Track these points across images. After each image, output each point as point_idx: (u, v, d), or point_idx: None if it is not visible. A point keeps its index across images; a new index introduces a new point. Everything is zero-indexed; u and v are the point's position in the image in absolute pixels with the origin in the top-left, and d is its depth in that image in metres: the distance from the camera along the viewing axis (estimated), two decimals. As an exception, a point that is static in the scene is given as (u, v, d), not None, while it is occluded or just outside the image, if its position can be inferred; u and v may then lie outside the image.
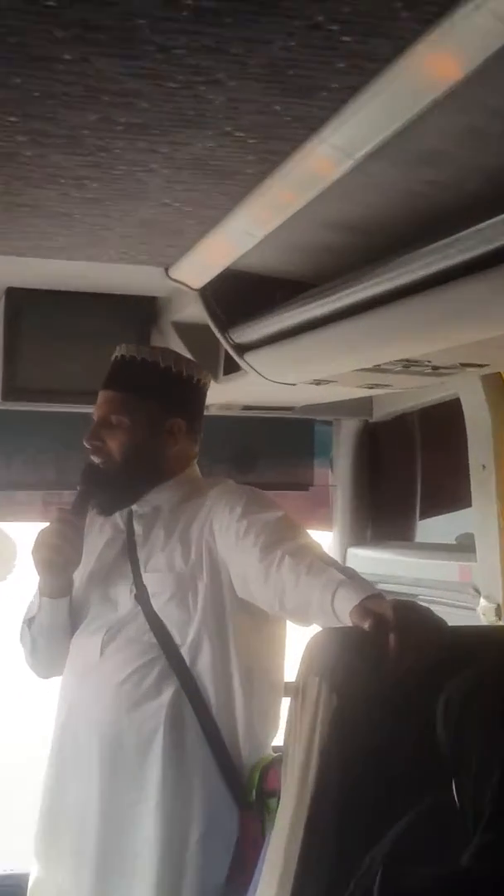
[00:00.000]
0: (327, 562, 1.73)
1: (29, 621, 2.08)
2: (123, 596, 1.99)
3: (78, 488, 2.04)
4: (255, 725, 1.92)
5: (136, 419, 1.99)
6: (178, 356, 2.07)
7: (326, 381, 2.23)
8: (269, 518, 1.87)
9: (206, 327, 2.20)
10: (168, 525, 2.01)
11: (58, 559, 1.98)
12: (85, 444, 2.01)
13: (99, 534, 2.09)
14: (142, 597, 1.95)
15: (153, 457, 2.02)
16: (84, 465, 2.04)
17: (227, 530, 1.90)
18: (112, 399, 2.02)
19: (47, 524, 2.01)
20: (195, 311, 2.23)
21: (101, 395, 2.04)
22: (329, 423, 3.17)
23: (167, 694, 1.88)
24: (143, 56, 1.07)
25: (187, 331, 2.43)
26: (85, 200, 1.61)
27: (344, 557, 3.07)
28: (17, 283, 2.39)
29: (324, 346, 1.90)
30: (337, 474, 3.15)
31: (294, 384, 2.30)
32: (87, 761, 1.92)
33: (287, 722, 1.46)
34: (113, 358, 2.06)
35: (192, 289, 2.14)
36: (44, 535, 1.98)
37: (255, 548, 1.80)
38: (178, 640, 1.91)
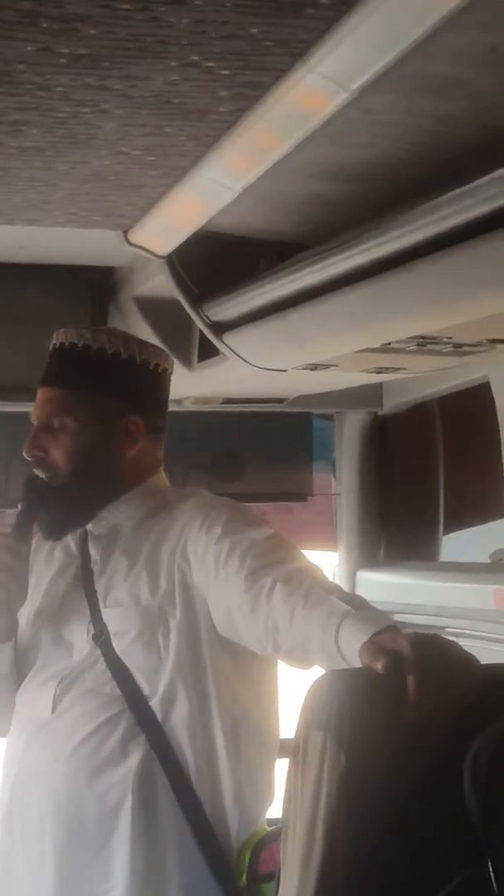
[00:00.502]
0: (329, 589, 1.71)
1: None
2: (79, 637, 1.98)
3: (19, 507, 2.03)
4: (244, 793, 1.92)
5: (82, 420, 1.99)
6: (128, 338, 2.07)
7: (325, 366, 2.23)
8: (256, 537, 1.86)
9: (176, 303, 2.20)
10: (131, 548, 2.00)
11: None
12: (25, 455, 2.01)
13: (47, 561, 2.09)
14: (101, 637, 1.94)
15: (107, 465, 2.01)
16: (25, 479, 2.03)
17: (204, 554, 1.89)
18: (52, 398, 2.02)
19: None
20: (161, 284, 2.23)
21: (40, 394, 2.04)
22: (330, 417, 3.18)
23: (135, 757, 1.87)
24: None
25: (152, 307, 2.43)
26: (22, 151, 1.60)
27: (352, 582, 3.07)
28: None
29: (320, 322, 1.90)
30: (341, 480, 3.15)
31: (285, 370, 2.30)
32: (39, 841, 1.90)
33: (285, 788, 1.45)
34: (51, 347, 2.06)
35: (156, 256, 2.14)
36: None
37: (240, 575, 1.79)
38: (146, 690, 1.90)
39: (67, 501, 2.00)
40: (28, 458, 2.00)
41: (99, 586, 1.99)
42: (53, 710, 1.94)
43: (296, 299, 1.88)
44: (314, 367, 2.25)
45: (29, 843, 1.92)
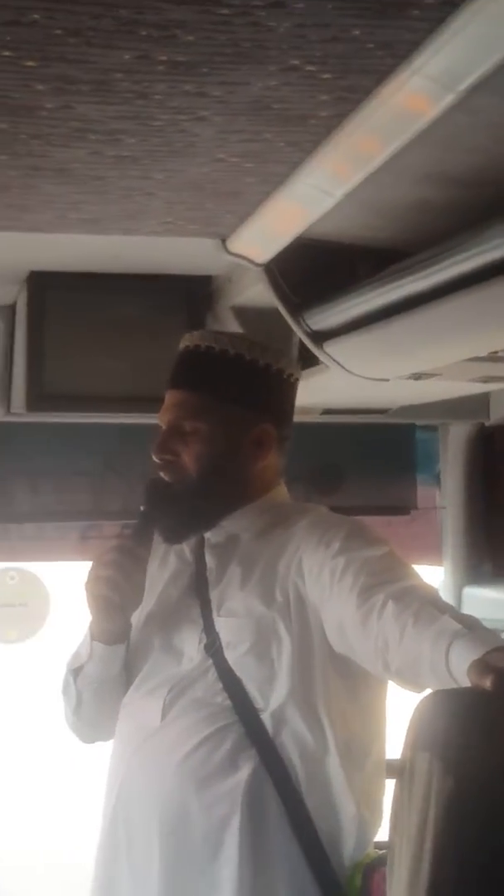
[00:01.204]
0: (441, 608, 1.70)
1: (75, 671, 2.09)
2: (190, 646, 1.99)
3: (141, 509, 2.05)
4: (361, 814, 1.91)
5: (215, 426, 2.01)
6: (264, 346, 2.07)
7: (429, 375, 2.22)
8: (372, 555, 1.86)
9: (275, 312, 2.20)
10: (247, 559, 2.01)
11: (114, 597, 1.99)
12: (154, 458, 2.03)
13: (161, 566, 2.11)
14: (213, 647, 1.95)
15: (236, 473, 2.03)
16: (147, 482, 2.05)
17: (320, 570, 1.89)
18: (184, 401, 2.03)
19: (104, 554, 2.01)
20: (259, 292, 2.24)
21: (170, 397, 2.05)
22: (434, 428, 3.15)
23: (245, 770, 1.88)
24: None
25: (250, 317, 2.44)
26: (120, 160, 1.62)
27: (458, 598, 3.04)
28: (40, 266, 2.43)
29: (424, 330, 1.89)
30: (446, 493, 3.12)
31: (388, 380, 2.29)
32: (146, 853, 1.91)
33: (391, 811, 1.44)
34: (182, 348, 2.08)
35: (255, 264, 2.14)
36: (99, 568, 2.00)
37: (353, 592, 1.79)
38: (258, 702, 1.91)
39: (190, 507, 2.02)
40: (157, 461, 2.02)
41: (213, 595, 2.00)
42: (163, 718, 1.95)
43: (399, 307, 1.87)
44: (418, 377, 2.23)
45: (134, 854, 1.93)
